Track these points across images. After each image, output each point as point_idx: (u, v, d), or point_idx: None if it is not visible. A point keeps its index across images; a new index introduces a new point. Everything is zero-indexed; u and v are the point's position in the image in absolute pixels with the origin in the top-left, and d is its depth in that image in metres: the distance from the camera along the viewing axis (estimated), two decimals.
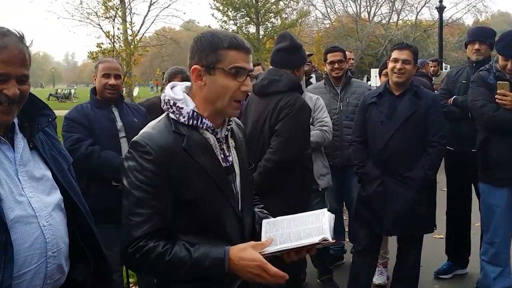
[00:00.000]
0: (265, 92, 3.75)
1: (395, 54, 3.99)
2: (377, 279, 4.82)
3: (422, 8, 33.77)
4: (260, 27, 30.17)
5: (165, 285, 2.01)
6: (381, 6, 35.01)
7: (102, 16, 20.43)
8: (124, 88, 14.10)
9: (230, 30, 29.68)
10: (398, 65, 3.93)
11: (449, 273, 5.03)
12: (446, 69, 16.33)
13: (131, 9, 21.72)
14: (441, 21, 19.43)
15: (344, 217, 5.89)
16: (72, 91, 48.27)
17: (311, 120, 4.48)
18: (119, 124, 3.87)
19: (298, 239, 1.95)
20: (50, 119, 2.12)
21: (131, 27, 20.86)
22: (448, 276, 5.02)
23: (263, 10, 29.68)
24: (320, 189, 4.48)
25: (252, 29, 30.75)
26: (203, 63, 1.95)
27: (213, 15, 30.09)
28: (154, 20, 24.25)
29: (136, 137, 1.93)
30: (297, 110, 3.61)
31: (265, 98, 3.75)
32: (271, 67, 3.95)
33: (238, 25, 30.40)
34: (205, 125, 1.97)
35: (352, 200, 4.82)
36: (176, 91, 2.02)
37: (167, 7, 23.86)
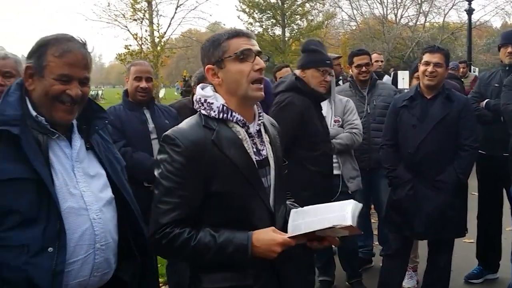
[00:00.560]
0: (274, 92, 3.96)
1: (426, 57, 3.97)
2: (406, 283, 4.78)
3: (449, 10, 33.32)
4: (286, 29, 30.17)
5: (196, 276, 2.06)
6: (408, 8, 34.63)
7: (129, 18, 20.67)
8: None
9: (256, 32, 29.78)
10: (430, 68, 3.91)
11: (479, 278, 4.96)
12: (474, 71, 16.14)
13: (158, 11, 21.90)
14: (469, 24, 19.21)
15: (373, 220, 5.86)
16: (100, 92, 48.85)
17: (340, 123, 4.48)
18: (151, 126, 3.94)
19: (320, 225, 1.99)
20: (106, 121, 2.27)
21: (158, 29, 21.04)
22: (478, 280, 4.96)
23: (289, 12, 29.68)
24: (349, 192, 4.46)
25: (278, 31, 30.79)
26: (212, 61, 2.05)
27: (239, 17, 30.39)
28: (181, 22, 24.37)
29: (167, 131, 2.02)
30: (281, 107, 3.74)
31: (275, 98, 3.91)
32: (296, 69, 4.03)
33: (264, 27, 30.48)
34: (235, 118, 2.03)
35: (381, 203, 4.80)
36: (206, 90, 2.10)
37: (193, 9, 23.93)
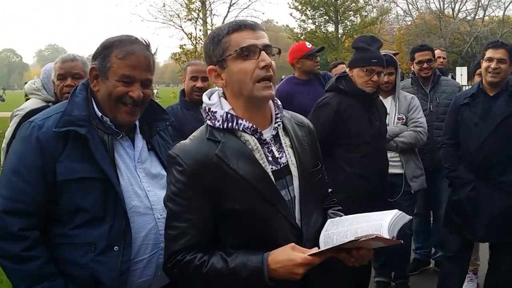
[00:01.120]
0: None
1: (489, 53, 3.83)
2: (466, 286, 4.63)
3: (510, 3, 32.14)
4: (339, 25, 29.93)
5: None
6: (466, 2, 33.69)
7: (184, 18, 20.97)
8: None
9: (308, 29, 29.69)
10: (493, 65, 3.77)
11: None
12: None
13: (211, 10, 22.14)
14: None
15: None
16: (155, 91, 49.81)
17: (404, 120, 4.38)
18: None
19: (354, 236, 1.71)
20: (167, 122, 2.32)
21: (212, 28, 21.25)
22: None
23: (342, 8, 29.43)
24: (412, 192, 4.37)
25: (330, 27, 30.59)
26: (214, 60, 1.83)
27: (291, 15, 30.25)
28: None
29: (171, 149, 1.85)
30: (318, 107, 3.73)
31: None
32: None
33: (316, 24, 30.33)
34: (241, 126, 1.80)
35: (440, 204, 4.67)
36: (212, 97, 1.89)
37: (246, 8, 24.11)
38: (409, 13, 35.04)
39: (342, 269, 1.93)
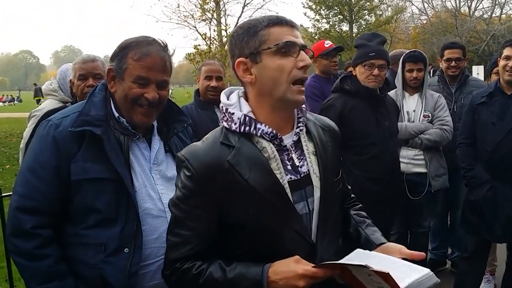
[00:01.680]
0: None
1: (507, 51, 3.78)
2: (483, 287, 4.59)
3: None
4: (353, 25, 29.86)
5: None
6: (482, 0, 33.36)
7: (198, 19, 21.06)
8: None
9: (323, 29, 29.61)
10: (511, 63, 3.72)
11: None
12: None
13: (225, 10, 22.21)
14: None
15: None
16: (170, 91, 50.10)
17: (430, 118, 4.35)
18: None
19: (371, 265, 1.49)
20: (185, 124, 2.30)
21: (226, 28, 21.31)
22: None
23: (356, 8, 29.34)
24: (432, 191, 4.35)
25: (345, 27, 30.51)
26: (246, 53, 1.67)
27: (305, 14, 30.25)
28: None
29: (180, 151, 1.73)
30: (322, 110, 3.70)
31: None
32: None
33: (331, 23, 30.26)
34: (260, 131, 1.66)
35: (458, 204, 4.62)
36: (231, 97, 1.76)
37: (260, 8, 24.14)
38: (425, 12, 34.73)
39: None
